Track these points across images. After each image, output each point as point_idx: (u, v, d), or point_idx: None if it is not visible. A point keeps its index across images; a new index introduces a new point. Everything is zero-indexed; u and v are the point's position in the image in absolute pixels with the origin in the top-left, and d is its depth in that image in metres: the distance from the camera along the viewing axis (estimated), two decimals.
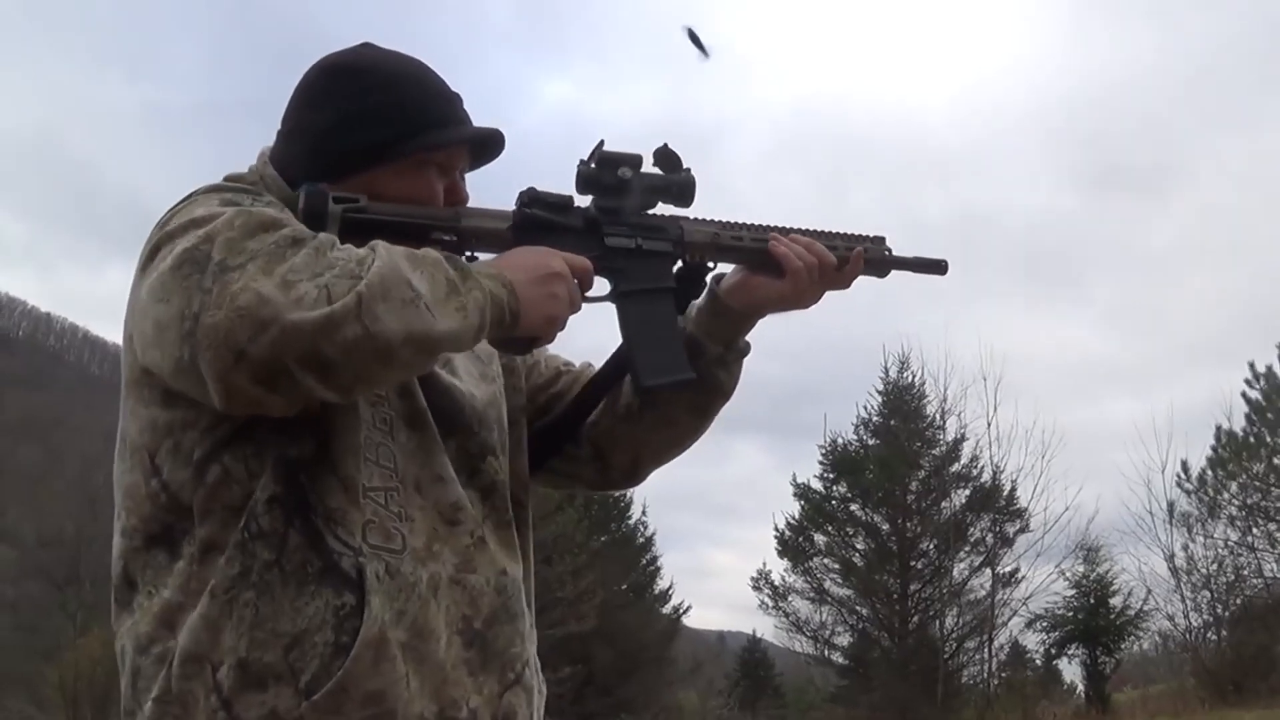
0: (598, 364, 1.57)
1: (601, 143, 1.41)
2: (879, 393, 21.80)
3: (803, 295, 1.49)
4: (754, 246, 1.48)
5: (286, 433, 1.21)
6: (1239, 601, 19.40)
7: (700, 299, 1.52)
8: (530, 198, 1.38)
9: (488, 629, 1.29)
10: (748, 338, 1.56)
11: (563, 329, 1.31)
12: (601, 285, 1.40)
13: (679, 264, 1.47)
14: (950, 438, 20.96)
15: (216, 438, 1.21)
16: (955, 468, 20.83)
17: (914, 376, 21.60)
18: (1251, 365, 19.47)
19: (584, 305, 1.34)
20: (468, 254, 1.35)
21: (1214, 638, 19.50)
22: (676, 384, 1.44)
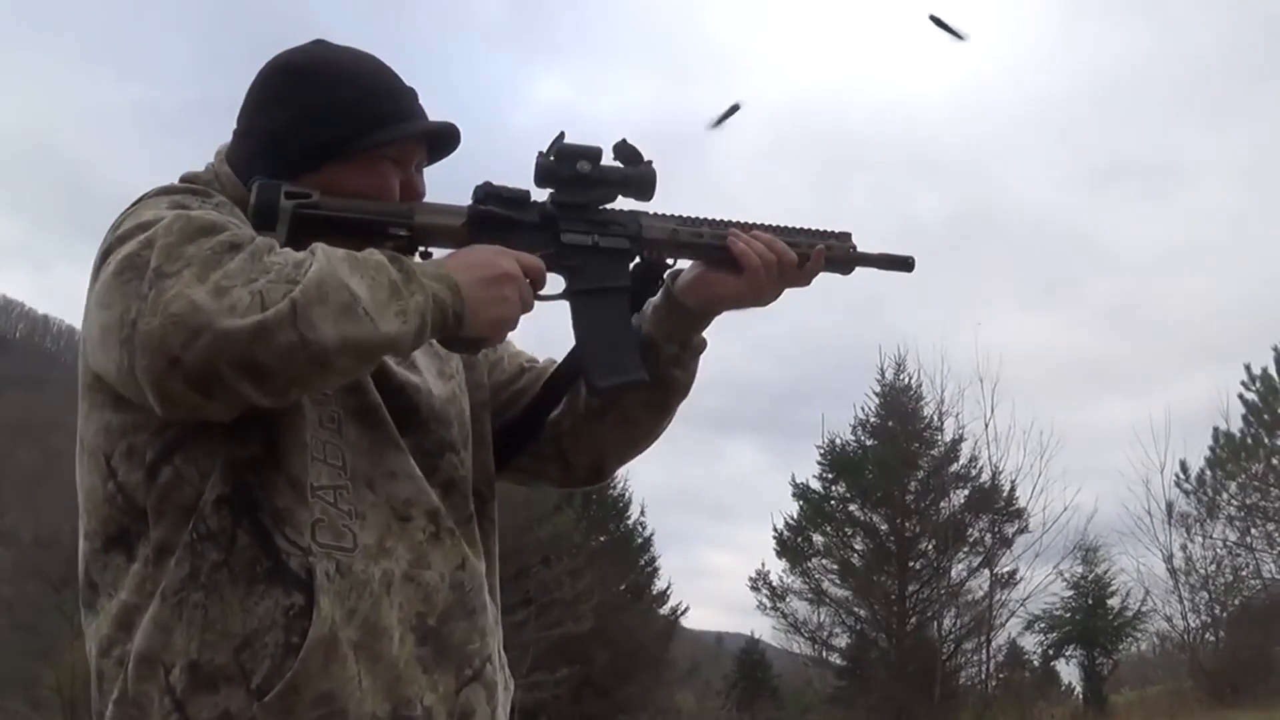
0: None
1: (561, 135, 1.39)
2: (876, 394, 21.84)
3: (761, 293, 1.47)
4: (713, 243, 1.46)
5: (235, 433, 1.20)
6: (1237, 602, 19.42)
7: (656, 297, 1.51)
8: (486, 193, 1.37)
9: (442, 625, 1.28)
10: (705, 335, 1.54)
11: (513, 329, 1.30)
12: (556, 282, 1.39)
13: (637, 260, 1.45)
14: (948, 438, 21.01)
15: (167, 440, 1.21)
16: (954, 468, 20.85)
17: (910, 378, 21.63)
18: (1248, 367, 19.53)
19: (537, 304, 1.33)
20: (421, 250, 1.34)
21: (1212, 639, 19.53)
22: (629, 385, 1.43)
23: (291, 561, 1.19)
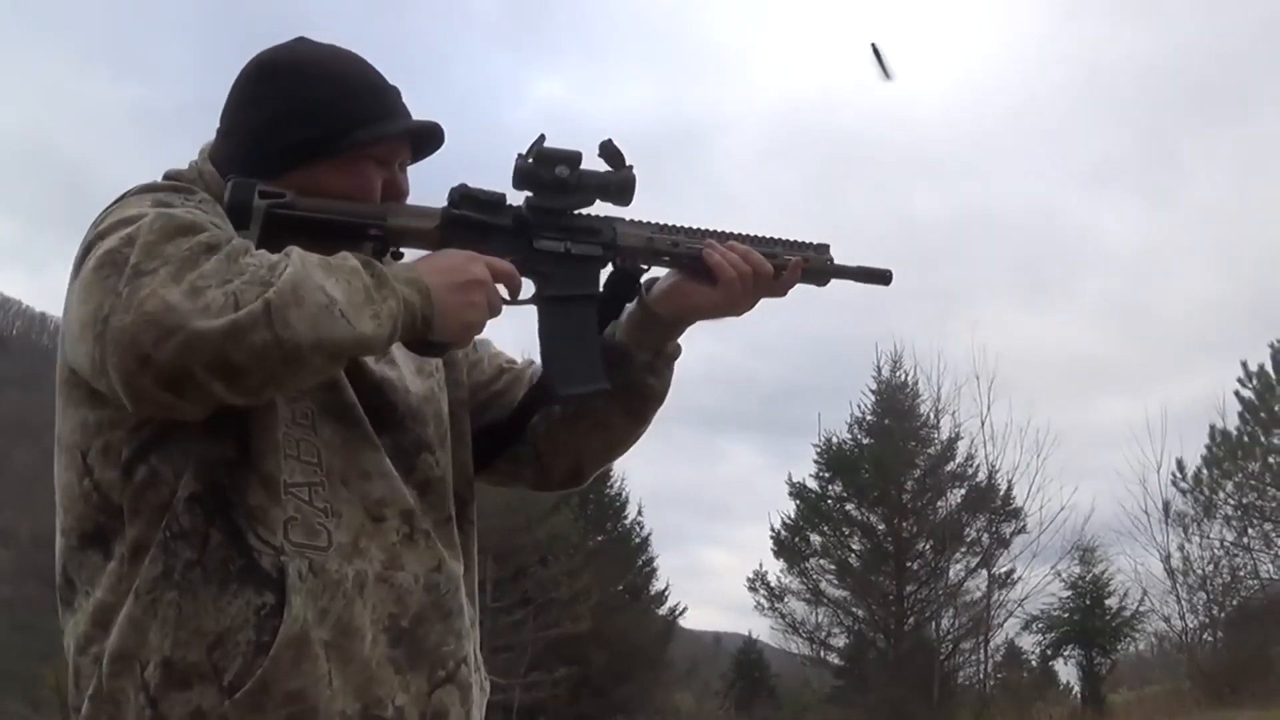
0: None
1: (542, 137, 1.38)
2: (872, 392, 21.85)
3: (736, 304, 1.47)
4: (688, 252, 1.45)
5: (210, 432, 1.21)
6: (1235, 603, 19.42)
7: (631, 304, 1.50)
8: (460, 195, 1.36)
9: (416, 626, 1.28)
10: (680, 341, 1.54)
11: (479, 334, 1.30)
12: (527, 286, 1.38)
13: (611, 266, 1.45)
14: (944, 436, 21.01)
15: (143, 438, 1.22)
16: (950, 467, 20.86)
17: (907, 375, 21.64)
18: (1244, 365, 19.51)
19: (506, 309, 1.32)
20: (394, 251, 1.34)
21: (1210, 639, 19.54)
22: (589, 394, 1.43)
23: (264, 560, 1.20)
